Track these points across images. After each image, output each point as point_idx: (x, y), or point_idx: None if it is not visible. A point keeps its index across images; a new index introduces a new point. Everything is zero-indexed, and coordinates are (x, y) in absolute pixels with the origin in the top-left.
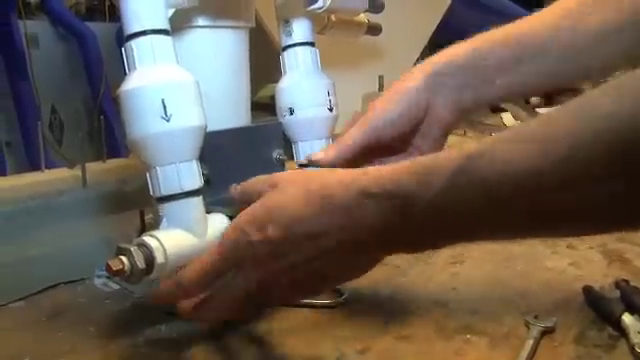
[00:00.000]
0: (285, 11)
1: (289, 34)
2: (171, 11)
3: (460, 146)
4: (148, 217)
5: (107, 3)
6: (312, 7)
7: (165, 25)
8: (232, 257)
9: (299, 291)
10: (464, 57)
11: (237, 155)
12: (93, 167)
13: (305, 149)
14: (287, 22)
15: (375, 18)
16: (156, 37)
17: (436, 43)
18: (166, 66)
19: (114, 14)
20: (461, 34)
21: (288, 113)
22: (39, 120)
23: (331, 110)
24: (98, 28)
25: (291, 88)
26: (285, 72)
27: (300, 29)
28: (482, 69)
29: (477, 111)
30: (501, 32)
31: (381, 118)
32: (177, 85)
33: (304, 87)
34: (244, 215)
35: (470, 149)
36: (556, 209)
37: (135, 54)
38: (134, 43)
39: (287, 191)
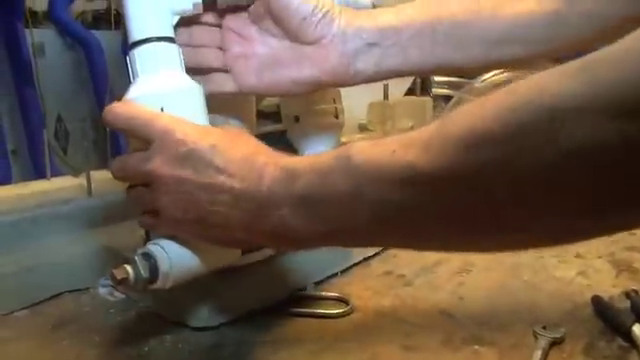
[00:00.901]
0: None
1: None
2: (176, 18)
3: None
4: None
5: (113, 12)
6: None
7: (170, 33)
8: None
9: (173, 211)
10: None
11: None
12: (98, 176)
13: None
14: None
15: None
16: (160, 44)
17: None
18: (169, 73)
19: (120, 23)
20: None
21: (294, 121)
22: (45, 128)
23: (337, 117)
24: (104, 36)
25: (296, 96)
26: None
27: None
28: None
29: (374, 78)
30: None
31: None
32: (177, 93)
33: (309, 95)
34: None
35: (353, 144)
36: (409, 204)
37: (138, 62)
38: (137, 51)
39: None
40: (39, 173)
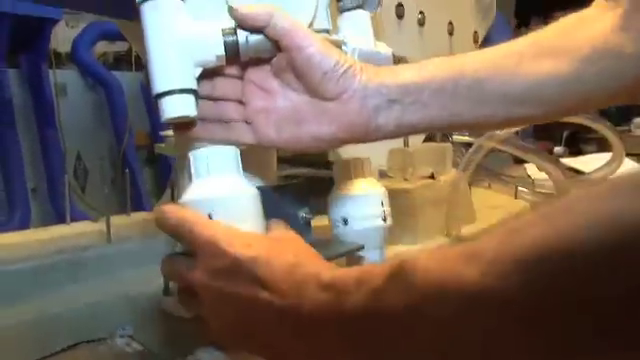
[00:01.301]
0: None
1: None
2: (198, 70)
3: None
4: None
5: (134, 53)
6: None
7: (192, 84)
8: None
9: (218, 322)
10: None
11: (263, 215)
12: (117, 221)
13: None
14: None
15: None
16: (186, 100)
17: None
18: (222, 177)
19: (140, 64)
20: None
21: (342, 223)
22: (65, 171)
23: (385, 220)
24: (124, 77)
25: (345, 199)
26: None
27: None
28: (418, 94)
29: (395, 134)
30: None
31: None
32: (226, 199)
33: (358, 199)
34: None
35: (406, 257)
36: (475, 322)
37: (193, 164)
38: (192, 154)
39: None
40: (57, 211)
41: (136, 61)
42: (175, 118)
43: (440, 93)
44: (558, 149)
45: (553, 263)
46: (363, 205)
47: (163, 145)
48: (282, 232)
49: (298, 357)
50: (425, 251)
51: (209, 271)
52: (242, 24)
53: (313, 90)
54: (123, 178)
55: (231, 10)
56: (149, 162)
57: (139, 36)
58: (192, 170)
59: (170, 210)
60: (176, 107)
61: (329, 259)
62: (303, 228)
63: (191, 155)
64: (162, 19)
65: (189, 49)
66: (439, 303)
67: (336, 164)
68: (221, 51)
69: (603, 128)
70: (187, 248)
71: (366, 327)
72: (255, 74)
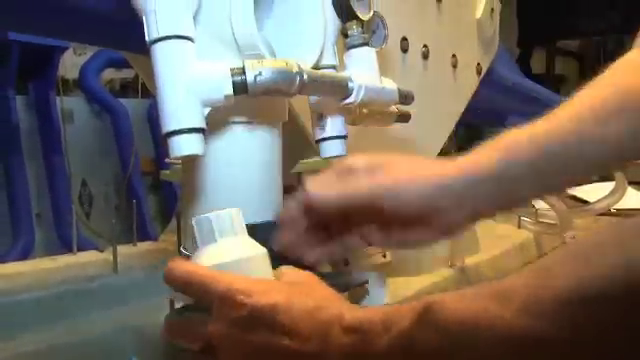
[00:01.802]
0: (319, 107)
1: (323, 128)
2: (207, 110)
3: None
4: (178, 305)
5: (140, 80)
6: (345, 102)
7: (202, 124)
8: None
9: None
10: (488, 170)
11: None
12: (124, 250)
13: None
14: (321, 117)
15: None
16: (195, 139)
17: (461, 122)
18: (229, 241)
19: (146, 91)
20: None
21: (342, 264)
22: (70, 193)
23: (384, 257)
24: (130, 104)
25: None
26: None
27: (334, 124)
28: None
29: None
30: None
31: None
32: (238, 262)
33: None
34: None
35: (434, 297)
36: None
37: (197, 232)
38: (195, 221)
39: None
40: (62, 237)
41: (142, 88)
42: (183, 156)
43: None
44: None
45: (590, 303)
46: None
47: (168, 172)
48: (296, 275)
49: None
50: (450, 292)
51: (227, 322)
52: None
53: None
54: (129, 206)
55: None
56: (153, 188)
57: (146, 66)
58: (197, 235)
59: (179, 265)
60: (185, 146)
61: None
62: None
63: (194, 221)
64: (172, 60)
65: (198, 89)
66: (471, 346)
67: None
68: (230, 90)
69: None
70: (199, 302)
71: None
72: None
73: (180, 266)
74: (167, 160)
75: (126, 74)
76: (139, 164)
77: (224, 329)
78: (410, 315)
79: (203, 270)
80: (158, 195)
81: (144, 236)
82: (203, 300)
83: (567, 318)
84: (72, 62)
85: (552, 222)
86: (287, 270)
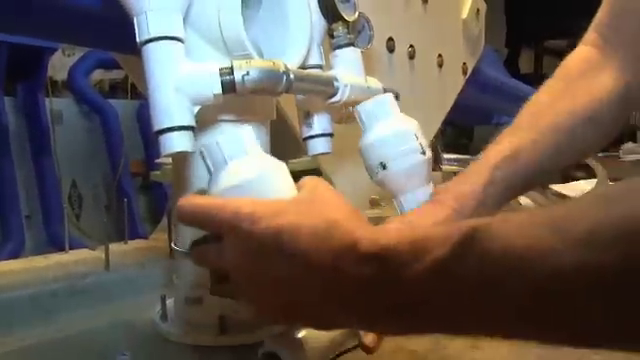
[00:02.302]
0: (306, 105)
1: (310, 126)
2: (196, 108)
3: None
4: (169, 301)
5: (130, 81)
6: (331, 101)
7: (191, 122)
8: (223, 226)
9: (260, 303)
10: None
11: None
12: (115, 248)
13: (409, 201)
14: (308, 115)
15: None
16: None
17: (447, 121)
18: (239, 162)
19: (136, 91)
20: (471, 113)
21: (381, 169)
22: (60, 194)
23: (424, 154)
24: (120, 105)
25: (378, 142)
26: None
27: (320, 121)
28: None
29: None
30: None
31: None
32: (249, 184)
33: (391, 138)
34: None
35: (475, 222)
36: (561, 300)
37: (207, 157)
38: (204, 147)
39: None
40: (52, 238)
41: (132, 89)
42: (174, 153)
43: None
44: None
45: None
46: (398, 143)
47: (159, 173)
48: (314, 187)
49: (348, 324)
50: (498, 217)
51: (237, 252)
52: None
53: None
54: (120, 206)
55: None
56: (143, 189)
57: (136, 66)
58: (209, 164)
59: (188, 200)
60: (175, 143)
61: None
62: None
63: (203, 150)
64: (163, 60)
65: (188, 88)
66: (520, 277)
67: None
68: (218, 90)
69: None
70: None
71: (431, 301)
72: None
73: (189, 201)
74: (157, 161)
75: (115, 75)
76: (129, 165)
77: (235, 260)
78: (448, 242)
79: (210, 200)
80: (148, 196)
81: (134, 236)
82: (215, 232)
83: (627, 249)
84: (61, 63)
85: None
86: (308, 181)
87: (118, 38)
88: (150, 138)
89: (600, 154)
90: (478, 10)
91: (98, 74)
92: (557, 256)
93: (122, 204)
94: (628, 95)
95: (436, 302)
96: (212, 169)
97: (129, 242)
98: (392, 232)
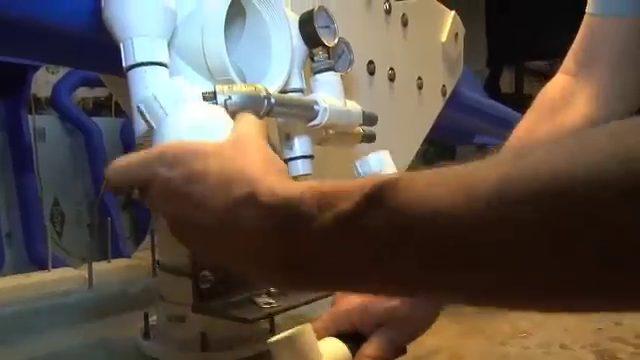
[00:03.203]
0: (287, 127)
1: (291, 148)
2: None
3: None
4: (152, 319)
5: (114, 99)
6: (312, 124)
7: None
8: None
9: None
10: None
11: None
12: (98, 267)
13: None
14: (289, 137)
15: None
16: None
17: (428, 140)
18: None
19: (120, 110)
20: (452, 133)
21: None
22: (41, 212)
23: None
24: (104, 123)
25: None
26: None
27: (301, 144)
28: None
29: None
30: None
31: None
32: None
33: None
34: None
35: (383, 177)
36: (463, 257)
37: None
38: None
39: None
40: (32, 256)
41: (116, 107)
42: None
43: None
44: None
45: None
46: None
47: None
48: (242, 132)
49: (250, 273)
50: (406, 174)
51: (158, 198)
52: None
53: None
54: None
55: None
56: (125, 207)
57: (120, 85)
58: (149, 119)
59: (116, 161)
60: None
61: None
62: None
63: (141, 105)
64: (148, 85)
65: None
66: (428, 230)
67: None
68: None
69: None
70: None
71: (332, 255)
72: None
73: (118, 161)
74: None
75: (99, 93)
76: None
77: (159, 205)
78: (354, 195)
79: (139, 154)
80: (130, 214)
81: (117, 254)
82: (145, 173)
83: (537, 206)
84: (45, 80)
85: None
86: (242, 122)
87: (104, 60)
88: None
89: None
90: (457, 34)
91: (82, 92)
92: (460, 216)
93: (104, 222)
94: None
95: (339, 255)
96: (153, 124)
97: (112, 261)
98: (298, 185)
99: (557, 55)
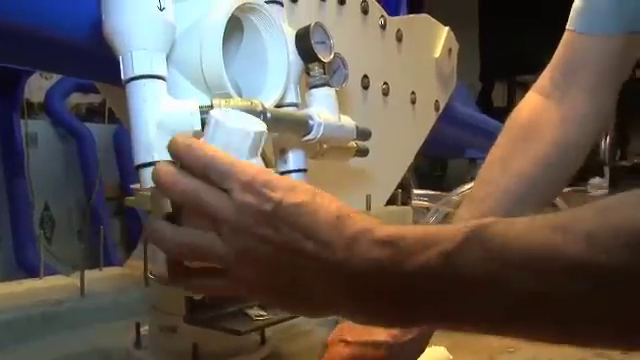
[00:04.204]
0: (281, 142)
1: (285, 161)
2: None
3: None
4: (144, 329)
5: (107, 105)
6: (306, 138)
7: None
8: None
9: (253, 282)
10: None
11: None
12: (90, 275)
13: None
14: (283, 151)
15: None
16: None
17: (420, 153)
18: None
19: (113, 116)
20: (444, 147)
21: None
22: (32, 217)
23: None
24: (96, 129)
25: None
26: None
27: (295, 158)
28: None
29: None
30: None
31: None
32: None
33: None
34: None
35: (483, 220)
36: (563, 297)
37: None
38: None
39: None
40: (21, 261)
41: (109, 113)
42: (154, 187)
43: None
44: None
45: None
46: None
47: (133, 198)
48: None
49: (344, 314)
50: (501, 219)
51: (245, 212)
52: None
53: None
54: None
55: None
56: (117, 214)
57: (115, 92)
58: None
59: (201, 146)
60: None
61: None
62: None
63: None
64: (146, 97)
65: (169, 125)
66: (524, 271)
67: None
68: (198, 126)
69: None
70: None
71: (432, 291)
72: None
73: (202, 146)
74: (132, 186)
75: (93, 99)
76: (103, 189)
77: (239, 218)
78: (456, 237)
79: (224, 155)
80: (121, 221)
81: (108, 262)
82: (221, 183)
83: (631, 253)
84: (38, 85)
85: None
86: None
87: (102, 70)
88: (126, 163)
89: (568, 189)
90: (450, 49)
91: (75, 97)
92: (559, 251)
93: (95, 228)
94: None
95: (436, 294)
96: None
97: (104, 269)
98: (406, 226)
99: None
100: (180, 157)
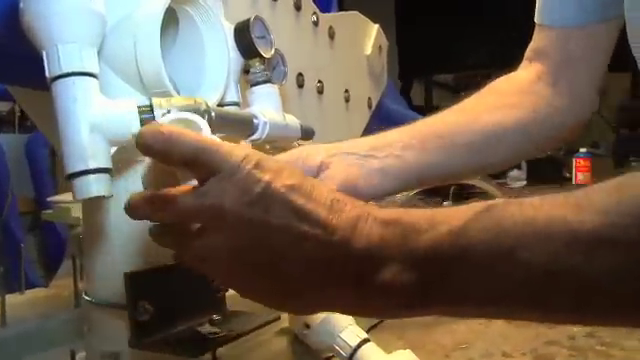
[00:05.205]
0: (226, 141)
1: None
2: (113, 149)
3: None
4: (79, 356)
5: (17, 114)
6: (251, 139)
7: (108, 164)
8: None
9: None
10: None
11: (184, 291)
12: (11, 300)
13: None
14: None
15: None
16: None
17: None
18: None
19: (24, 125)
20: None
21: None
22: None
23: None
24: (6, 139)
25: None
26: None
27: None
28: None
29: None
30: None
31: None
32: None
33: None
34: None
35: (491, 201)
36: (580, 274)
37: None
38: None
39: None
40: None
41: (20, 122)
42: (90, 199)
43: (409, 148)
44: (446, 204)
45: None
46: None
47: (51, 212)
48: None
49: (345, 304)
50: (510, 199)
51: (236, 197)
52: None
53: None
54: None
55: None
56: (32, 229)
57: (32, 99)
58: None
59: (189, 132)
60: (91, 187)
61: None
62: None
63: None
64: (76, 98)
65: (104, 128)
66: (545, 249)
67: None
68: (137, 129)
69: (484, 184)
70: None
71: (443, 269)
72: None
73: (189, 132)
74: (49, 199)
75: (1, 107)
76: (16, 203)
77: (232, 203)
78: (463, 216)
79: (209, 138)
80: (38, 237)
81: (27, 284)
82: (209, 167)
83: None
84: None
85: None
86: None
87: (17, 70)
88: (39, 174)
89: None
90: (380, 47)
91: None
92: (575, 228)
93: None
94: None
95: (445, 273)
96: None
97: (26, 292)
98: (408, 209)
99: (462, 69)
100: (163, 149)
